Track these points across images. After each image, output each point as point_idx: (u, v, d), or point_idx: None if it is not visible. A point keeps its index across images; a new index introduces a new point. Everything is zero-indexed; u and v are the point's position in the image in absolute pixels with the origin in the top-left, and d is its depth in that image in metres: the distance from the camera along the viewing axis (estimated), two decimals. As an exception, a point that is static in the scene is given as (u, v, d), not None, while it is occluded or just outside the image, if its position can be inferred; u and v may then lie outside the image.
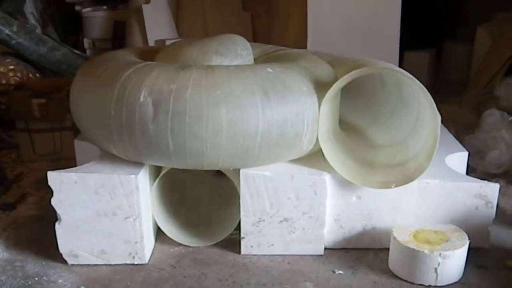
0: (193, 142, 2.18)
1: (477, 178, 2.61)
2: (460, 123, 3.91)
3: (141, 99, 2.18)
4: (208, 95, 2.15)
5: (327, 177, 2.40)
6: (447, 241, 2.31)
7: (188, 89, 2.16)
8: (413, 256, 2.26)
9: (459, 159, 2.83)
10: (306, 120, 2.29)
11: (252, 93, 2.18)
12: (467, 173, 2.87)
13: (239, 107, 2.16)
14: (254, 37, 5.55)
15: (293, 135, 2.28)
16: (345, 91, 2.58)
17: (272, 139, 2.24)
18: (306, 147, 2.38)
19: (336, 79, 2.52)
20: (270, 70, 2.31)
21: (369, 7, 4.35)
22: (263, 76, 2.26)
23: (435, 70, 5.86)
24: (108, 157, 2.49)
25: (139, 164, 2.41)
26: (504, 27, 4.71)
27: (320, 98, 2.33)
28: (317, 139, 2.39)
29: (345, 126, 2.84)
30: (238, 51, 2.56)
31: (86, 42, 5.86)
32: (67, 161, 3.58)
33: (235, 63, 2.51)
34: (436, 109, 2.26)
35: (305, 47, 4.37)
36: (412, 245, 2.27)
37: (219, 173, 2.69)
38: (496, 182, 2.56)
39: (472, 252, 2.34)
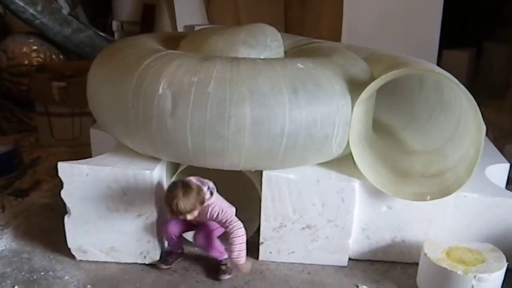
0: (214, 141, 2.02)
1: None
2: (500, 129, 3.69)
3: (160, 91, 2.03)
4: (232, 90, 1.98)
5: (356, 184, 2.23)
6: (483, 261, 2.12)
7: (211, 82, 1.99)
8: (445, 276, 2.07)
9: (499, 170, 2.63)
10: (337, 122, 2.11)
11: (279, 91, 2.01)
12: (506, 186, 2.67)
13: (265, 106, 1.99)
14: (286, 27, 5.37)
15: (322, 137, 2.10)
16: (379, 89, 2.38)
17: (299, 141, 2.07)
18: (336, 150, 2.21)
19: (372, 78, 2.34)
20: (301, 66, 2.13)
21: (409, 1, 4.13)
22: (293, 72, 2.08)
23: (474, 71, 5.60)
24: (123, 149, 2.35)
25: (155, 159, 2.26)
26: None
27: (353, 98, 2.15)
28: (347, 142, 2.21)
29: (377, 127, 2.65)
30: (268, 42, 2.39)
31: (114, 25, 5.73)
32: (86, 147, 3.47)
33: (264, 55, 2.34)
34: (481, 118, 2.06)
35: (339, 39, 4.17)
36: (445, 264, 2.09)
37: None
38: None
39: (509, 273, 2.15)
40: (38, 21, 4.18)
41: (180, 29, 5.17)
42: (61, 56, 4.41)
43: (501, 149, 2.94)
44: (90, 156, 2.51)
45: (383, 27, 4.18)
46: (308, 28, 4.93)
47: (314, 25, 4.85)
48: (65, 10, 4.92)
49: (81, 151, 3.49)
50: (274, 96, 2.00)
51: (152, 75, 2.07)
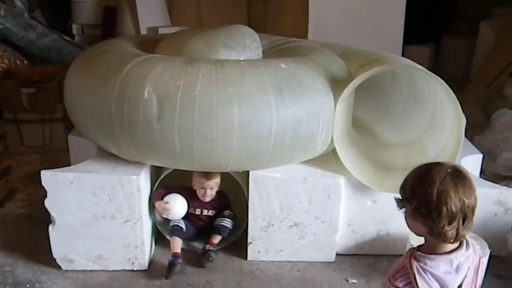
0: (202, 143, 2.01)
1: (487, 180, 2.49)
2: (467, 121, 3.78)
3: (145, 95, 2.01)
4: (218, 92, 1.98)
5: (341, 180, 2.26)
6: (467, 250, 2.18)
7: (197, 85, 1.99)
8: (431, 266, 2.13)
9: (473, 161, 2.70)
10: (322, 120, 2.14)
11: (265, 91, 2.02)
12: (480, 176, 2.75)
13: (252, 106, 2.00)
14: (250, 25, 5.35)
15: (308, 136, 2.13)
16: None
17: (286, 141, 2.08)
18: (320, 148, 2.24)
19: (350, 75, 2.37)
20: (284, 66, 2.15)
21: (373, -2, 4.22)
22: (277, 73, 2.10)
23: (434, 65, 5.74)
24: (106, 155, 2.31)
25: (140, 164, 2.24)
26: (509, 23, 4.57)
27: (335, 96, 2.18)
28: (331, 139, 2.24)
29: (353, 122, 2.69)
30: (247, 43, 2.39)
31: (75, 28, 5.60)
32: (57, 154, 3.44)
33: (244, 56, 2.34)
34: (460, 111, 2.13)
35: (302, 35, 4.20)
36: (431, 254, 2.14)
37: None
38: (506, 184, 2.45)
39: (489, 260, 2.22)
40: (1, 26, 4.06)
41: (143, 31, 5.11)
42: (25, 62, 4.29)
43: (470, 141, 3.03)
44: (63, 163, 2.47)
45: (348, 24, 4.24)
46: (272, 25, 4.94)
47: (277, 23, 4.86)
48: (25, 14, 4.80)
49: (53, 158, 3.42)
50: (260, 97, 2.01)
51: (136, 79, 2.04)
